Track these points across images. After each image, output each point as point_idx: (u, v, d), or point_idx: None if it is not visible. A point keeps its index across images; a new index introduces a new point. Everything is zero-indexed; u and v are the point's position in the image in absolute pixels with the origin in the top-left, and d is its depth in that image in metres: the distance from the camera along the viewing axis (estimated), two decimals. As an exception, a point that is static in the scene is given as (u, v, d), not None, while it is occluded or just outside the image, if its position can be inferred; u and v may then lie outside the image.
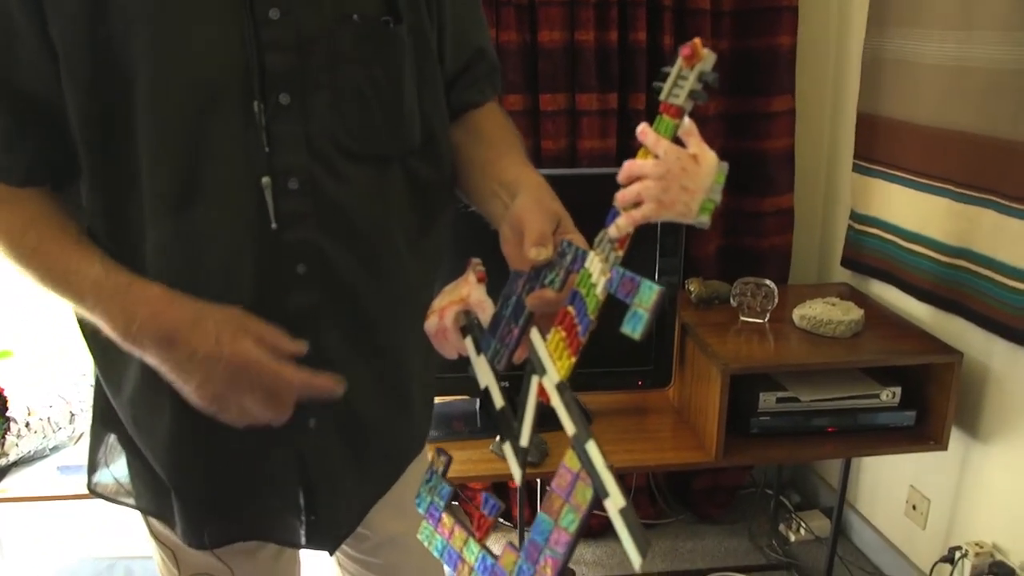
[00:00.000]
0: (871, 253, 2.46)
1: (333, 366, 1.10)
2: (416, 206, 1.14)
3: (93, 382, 1.19)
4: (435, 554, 0.79)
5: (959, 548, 2.12)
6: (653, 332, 2.16)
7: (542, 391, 0.72)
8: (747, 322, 2.26)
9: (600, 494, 0.64)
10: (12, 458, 2.13)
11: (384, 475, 1.25)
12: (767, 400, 2.12)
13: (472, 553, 0.76)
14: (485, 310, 0.82)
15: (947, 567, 2.14)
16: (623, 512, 0.61)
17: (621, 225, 0.71)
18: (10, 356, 2.44)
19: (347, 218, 1.05)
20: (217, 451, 1.13)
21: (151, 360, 0.95)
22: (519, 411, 0.75)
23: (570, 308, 0.72)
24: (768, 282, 2.25)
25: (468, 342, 0.83)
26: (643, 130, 0.69)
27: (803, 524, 2.79)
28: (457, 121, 1.19)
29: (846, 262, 2.58)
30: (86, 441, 1.24)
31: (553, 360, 0.72)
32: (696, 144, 0.67)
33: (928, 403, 2.14)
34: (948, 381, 2.06)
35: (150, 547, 1.28)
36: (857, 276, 2.57)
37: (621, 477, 2.52)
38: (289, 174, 1.00)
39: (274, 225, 1.00)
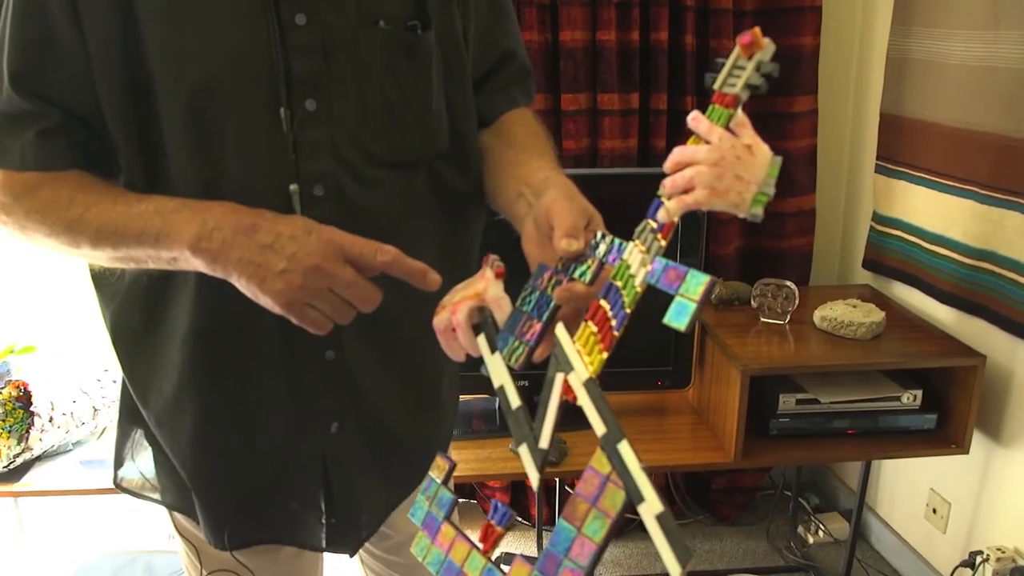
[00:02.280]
0: (893, 255, 2.45)
1: (358, 372, 1.11)
2: (444, 211, 1.14)
3: (120, 378, 1.20)
4: (431, 570, 0.74)
5: (980, 552, 2.11)
6: (673, 332, 2.15)
7: (567, 388, 0.69)
8: (767, 323, 2.25)
9: (634, 498, 0.59)
10: (36, 452, 2.15)
11: (407, 479, 1.25)
12: (787, 401, 2.11)
13: (475, 568, 0.70)
14: (503, 307, 0.79)
15: (967, 572, 2.13)
16: (661, 518, 0.56)
17: (672, 209, 0.67)
18: (34, 351, 2.46)
19: (373, 223, 1.03)
20: (238, 458, 1.14)
21: (227, 262, 0.89)
22: (539, 411, 0.71)
23: (603, 302, 0.69)
24: (789, 283, 2.24)
25: (481, 340, 0.79)
26: (695, 116, 0.67)
27: (822, 526, 2.78)
28: (487, 126, 1.18)
29: (868, 264, 2.57)
30: (108, 436, 1.25)
31: (582, 356, 0.69)
32: (750, 135, 0.65)
33: (950, 406, 2.12)
34: (970, 384, 2.04)
35: (175, 542, 1.29)
36: (879, 278, 2.56)
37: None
38: (315, 181, 1.00)
39: None
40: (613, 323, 0.68)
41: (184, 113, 0.97)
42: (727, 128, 0.66)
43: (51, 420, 2.21)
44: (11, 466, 2.11)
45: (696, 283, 0.63)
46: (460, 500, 2.64)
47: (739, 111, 0.66)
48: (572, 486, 2.72)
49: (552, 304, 0.75)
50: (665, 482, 2.83)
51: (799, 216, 2.62)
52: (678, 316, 0.63)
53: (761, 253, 2.68)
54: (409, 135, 1.06)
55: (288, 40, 0.97)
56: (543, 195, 0.94)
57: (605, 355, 0.68)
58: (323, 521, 1.19)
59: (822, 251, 2.74)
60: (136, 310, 1.09)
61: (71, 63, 0.96)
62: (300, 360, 1.08)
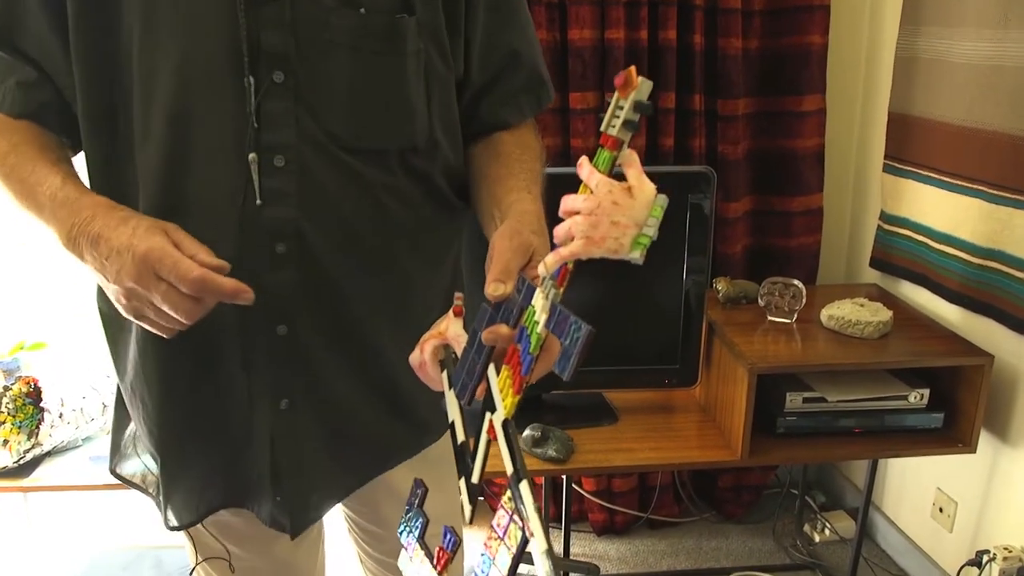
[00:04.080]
0: (901, 254, 2.45)
1: (308, 350, 1.11)
2: (417, 204, 1.13)
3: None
4: None
5: (986, 552, 2.11)
6: (680, 330, 2.16)
7: (491, 428, 0.71)
8: (774, 322, 2.25)
9: (526, 535, 0.61)
10: (46, 448, 2.17)
11: (361, 467, 1.24)
12: (793, 400, 2.11)
13: None
14: (461, 344, 0.81)
15: (974, 571, 2.13)
16: (545, 555, 0.59)
17: (548, 264, 0.67)
18: (44, 348, 2.48)
19: (331, 203, 1.05)
20: (201, 425, 1.15)
21: (88, 267, 0.96)
22: (476, 448, 0.74)
23: (518, 345, 0.71)
24: (796, 282, 2.24)
25: (444, 376, 0.83)
26: (580, 163, 0.66)
27: (828, 524, 2.78)
28: (485, 136, 1.18)
29: (875, 263, 2.57)
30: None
31: (502, 397, 0.71)
32: (634, 176, 0.64)
33: (957, 405, 2.12)
34: (978, 383, 2.04)
35: (182, 536, 1.30)
36: (886, 277, 2.56)
37: (645, 475, 2.48)
38: (275, 151, 1.01)
39: (259, 201, 1.01)
40: (522, 367, 0.69)
41: (150, 79, 0.99)
42: (613, 169, 0.65)
43: (61, 416, 2.22)
44: (21, 461, 2.12)
45: (575, 333, 0.63)
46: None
47: (625, 150, 0.65)
48: (579, 483, 2.73)
49: (486, 346, 0.77)
50: (671, 479, 2.84)
51: (806, 215, 2.63)
52: (559, 363, 0.64)
53: (768, 252, 2.68)
54: (376, 123, 1.06)
55: (260, 12, 0.98)
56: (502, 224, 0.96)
57: (517, 398, 0.70)
58: (271, 497, 1.18)
59: (829, 250, 2.74)
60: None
61: (42, 23, 1.02)
62: (253, 333, 1.08)
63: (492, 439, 0.72)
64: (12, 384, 2.18)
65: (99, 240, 0.92)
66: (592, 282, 2.06)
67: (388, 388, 1.18)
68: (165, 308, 0.91)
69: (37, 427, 2.17)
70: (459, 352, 0.81)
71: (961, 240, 2.18)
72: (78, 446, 2.24)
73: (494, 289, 0.80)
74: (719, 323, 2.23)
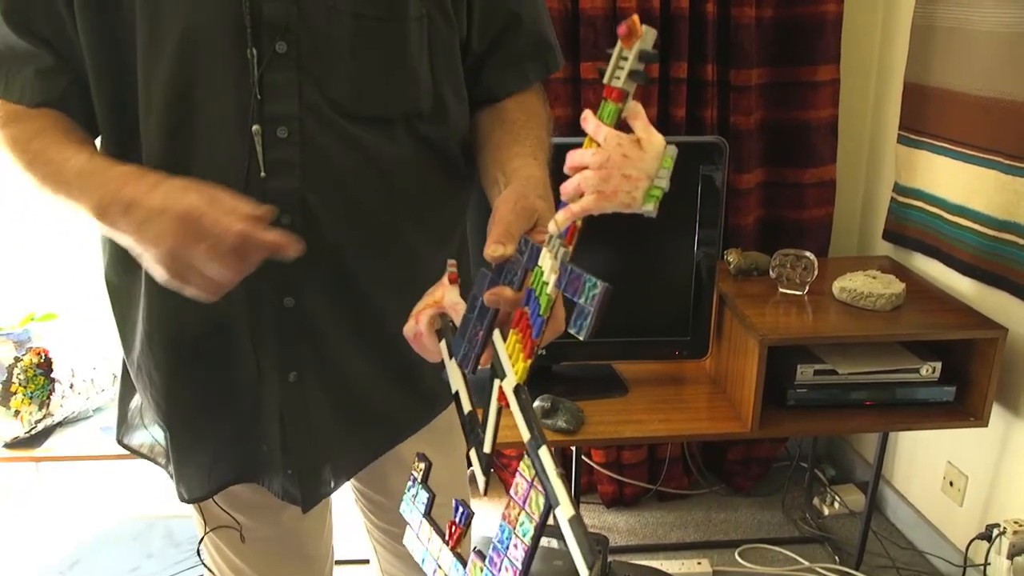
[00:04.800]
0: (914, 226, 2.43)
1: (316, 323, 1.10)
2: (425, 176, 1.12)
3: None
4: (417, 560, 0.78)
5: (997, 525, 2.10)
6: (691, 302, 2.15)
7: (502, 395, 0.70)
8: (786, 294, 2.24)
9: (551, 502, 0.61)
10: (56, 418, 2.18)
11: (375, 440, 1.24)
12: (804, 372, 2.10)
13: (447, 560, 0.75)
14: (459, 312, 0.79)
15: (984, 545, 2.12)
16: (572, 522, 0.58)
17: (559, 220, 0.66)
18: (55, 318, 2.48)
19: (335, 173, 1.04)
20: (209, 398, 1.15)
21: (122, 235, 0.93)
22: (484, 416, 0.73)
23: (526, 308, 0.69)
24: (808, 254, 2.22)
25: (442, 345, 0.81)
26: (585, 116, 0.65)
27: (837, 498, 2.78)
28: (489, 104, 1.16)
29: (888, 235, 2.55)
30: (127, 401, 1.28)
31: (512, 363, 0.70)
32: (642, 128, 0.62)
33: (969, 379, 2.11)
34: (990, 357, 2.03)
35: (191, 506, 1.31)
36: (899, 249, 2.54)
37: (655, 447, 2.47)
38: (279, 122, 1.00)
39: (263, 173, 1.01)
40: (532, 330, 0.68)
41: (154, 53, 0.99)
42: (619, 122, 0.63)
43: (72, 387, 2.23)
44: (33, 431, 2.14)
45: (591, 291, 0.62)
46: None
47: (630, 102, 0.63)
48: (588, 455, 2.74)
49: (490, 310, 0.75)
50: (681, 451, 2.84)
51: (819, 186, 2.60)
52: (577, 324, 0.62)
53: (780, 223, 2.66)
54: (379, 89, 1.05)
55: None
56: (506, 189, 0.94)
57: (528, 362, 0.68)
58: (282, 471, 1.18)
59: (842, 222, 2.72)
60: (113, 258, 1.13)
61: (51, 12, 1.01)
62: (261, 306, 1.08)
63: (504, 406, 0.70)
64: (23, 355, 2.19)
65: (132, 206, 0.90)
66: (603, 254, 2.05)
67: (395, 361, 1.18)
68: (208, 268, 0.88)
69: (48, 398, 2.18)
70: (457, 321, 0.79)
71: (976, 212, 2.16)
72: (89, 416, 2.25)
73: (493, 251, 0.78)
74: (730, 295, 2.22)
